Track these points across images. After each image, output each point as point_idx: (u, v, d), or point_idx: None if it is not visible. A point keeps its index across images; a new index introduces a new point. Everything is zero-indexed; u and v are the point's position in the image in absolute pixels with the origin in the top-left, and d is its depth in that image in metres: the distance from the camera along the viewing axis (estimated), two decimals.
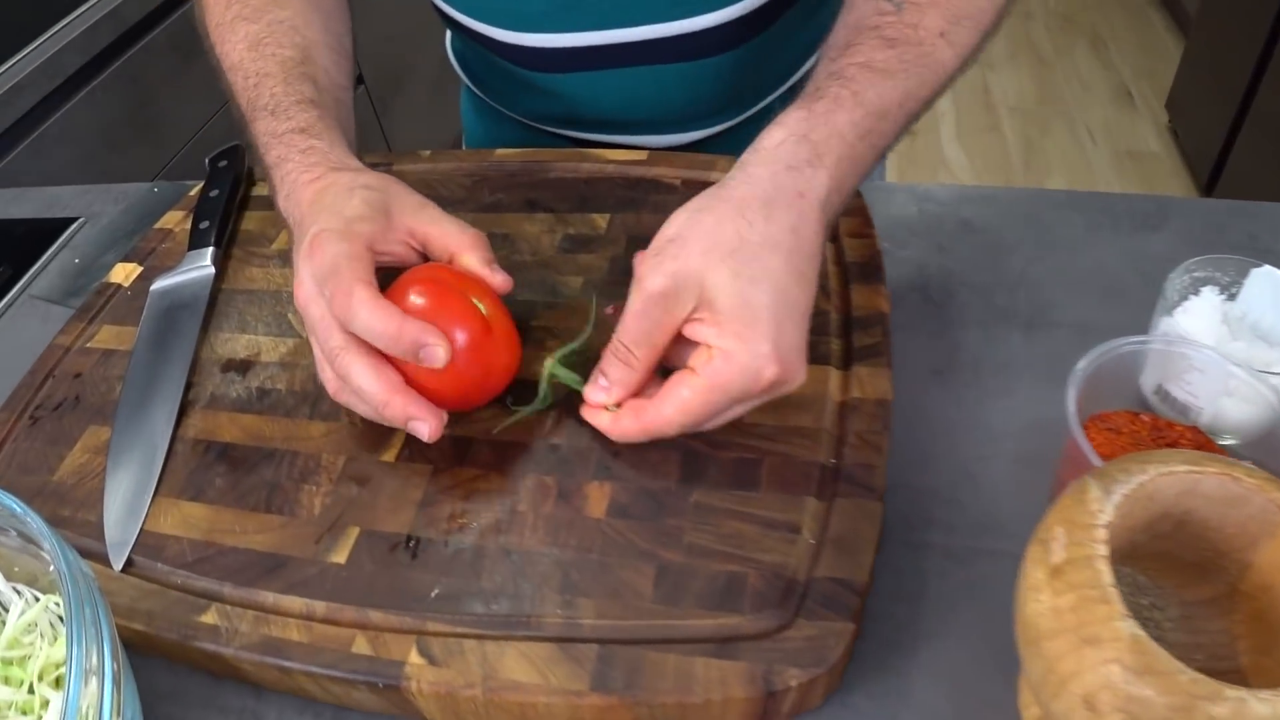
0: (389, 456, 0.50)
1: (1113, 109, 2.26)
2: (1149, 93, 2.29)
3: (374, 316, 0.45)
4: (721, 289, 0.43)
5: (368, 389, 0.46)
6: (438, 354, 0.45)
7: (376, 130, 1.86)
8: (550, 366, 0.50)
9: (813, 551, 0.44)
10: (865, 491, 0.46)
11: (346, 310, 0.45)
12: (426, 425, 0.46)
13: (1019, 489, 0.51)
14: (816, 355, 0.51)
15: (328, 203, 0.50)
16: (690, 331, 0.45)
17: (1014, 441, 0.53)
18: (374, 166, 0.70)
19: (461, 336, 0.47)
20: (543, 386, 0.50)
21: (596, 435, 0.48)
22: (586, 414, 0.48)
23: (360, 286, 0.45)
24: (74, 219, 0.80)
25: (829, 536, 0.44)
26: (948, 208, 0.66)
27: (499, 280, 0.50)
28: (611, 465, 0.47)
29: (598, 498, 0.46)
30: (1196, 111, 2.03)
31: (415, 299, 0.47)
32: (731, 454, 0.47)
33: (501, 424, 0.50)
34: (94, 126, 1.26)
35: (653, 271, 0.45)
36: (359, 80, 1.77)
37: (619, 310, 0.47)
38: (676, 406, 0.44)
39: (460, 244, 0.51)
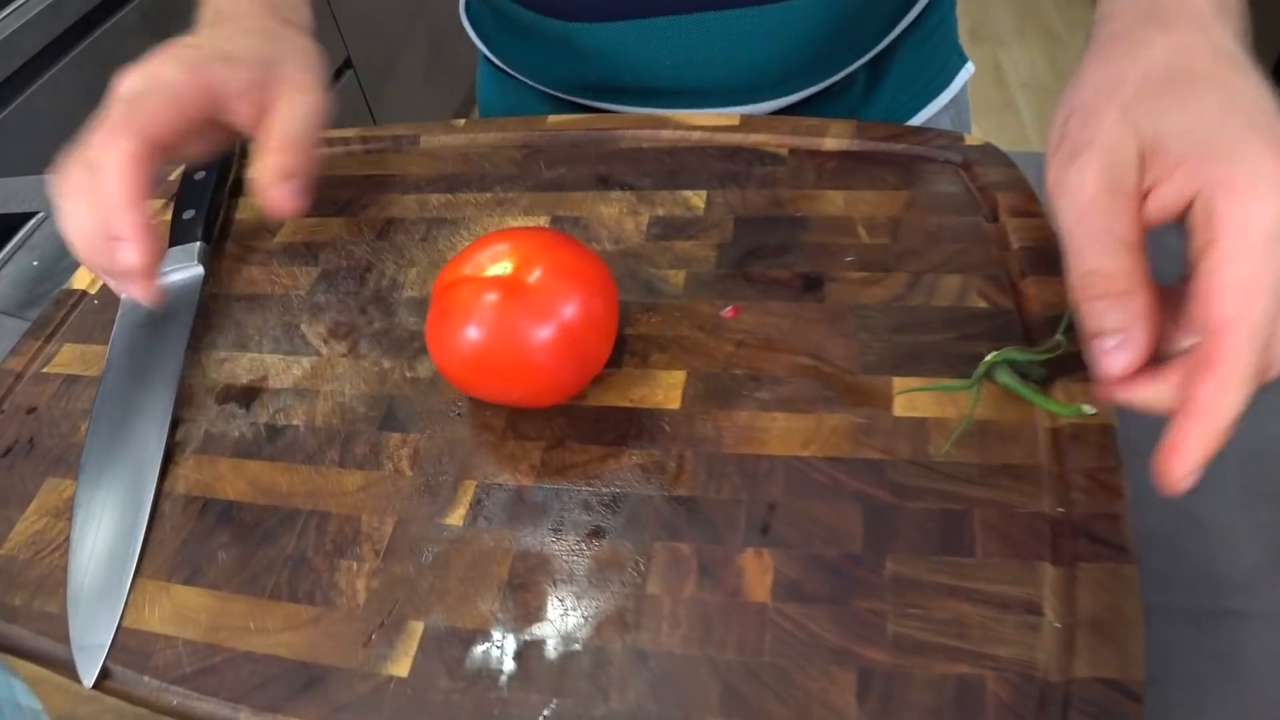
0: (455, 518, 0.36)
1: None
2: None
3: (114, 178, 0.38)
4: (1163, 117, 0.30)
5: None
6: (127, 255, 0.38)
7: (366, 117, 1.70)
8: (1000, 370, 0.37)
9: (1064, 640, 0.31)
10: (1113, 552, 0.33)
11: (100, 150, 0.39)
12: (136, 257, 0.38)
13: (1255, 530, 0.38)
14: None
15: (220, 28, 0.44)
16: (1158, 208, 0.30)
17: (1239, 471, 0.40)
18: (397, 140, 0.57)
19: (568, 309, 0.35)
20: (974, 396, 0.37)
21: (744, 480, 0.35)
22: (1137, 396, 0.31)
23: (133, 141, 0.39)
24: (32, 214, 0.66)
25: (1080, 617, 0.31)
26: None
27: (276, 196, 0.40)
28: (769, 523, 0.34)
29: (756, 572, 0.33)
30: None
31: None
32: (926, 504, 0.34)
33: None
34: (57, 114, 1.10)
35: (1066, 160, 0.32)
36: (346, 64, 1.62)
37: (735, 310, 0.35)
38: (1223, 324, 0.28)
39: (266, 139, 0.41)
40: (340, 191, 0.53)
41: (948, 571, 0.32)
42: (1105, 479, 0.35)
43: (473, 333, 0.35)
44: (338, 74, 1.60)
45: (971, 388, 0.37)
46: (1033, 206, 0.46)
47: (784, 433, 0.37)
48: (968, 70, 0.72)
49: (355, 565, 0.35)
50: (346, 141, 0.56)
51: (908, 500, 0.34)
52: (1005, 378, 0.36)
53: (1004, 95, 2.13)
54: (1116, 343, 0.30)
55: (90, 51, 1.14)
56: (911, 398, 0.37)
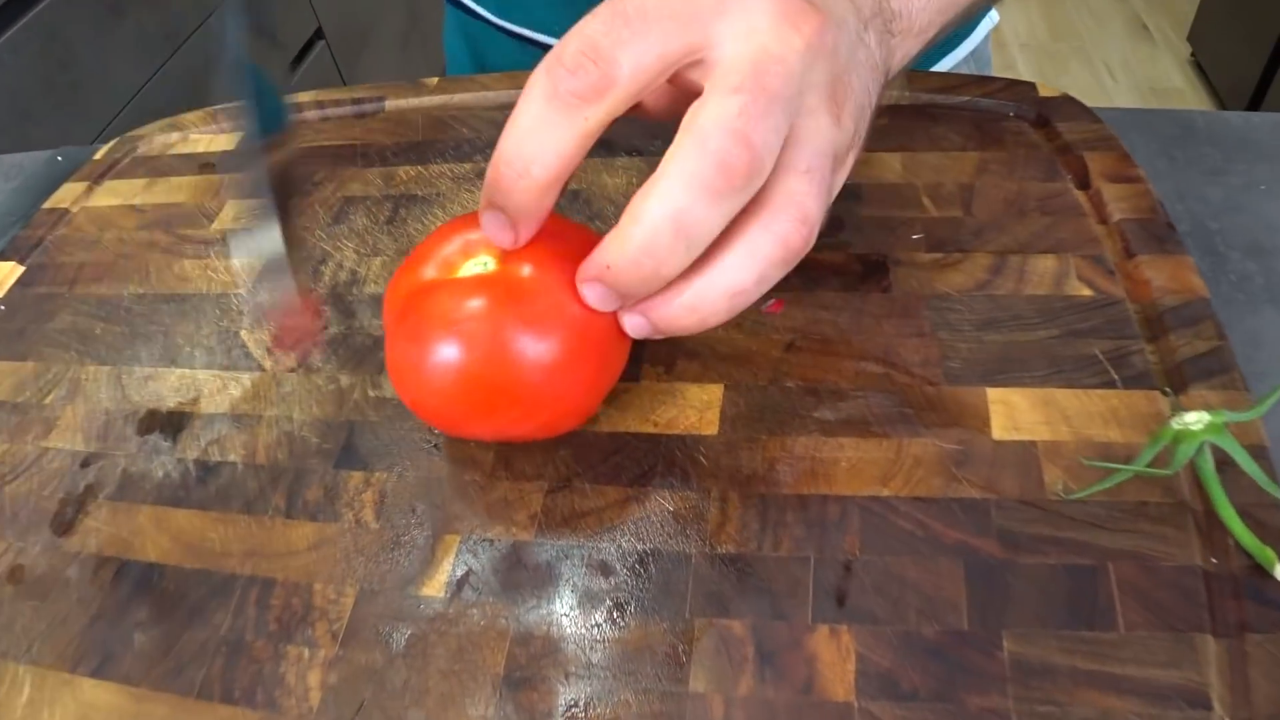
0: (434, 587, 0.28)
1: (1129, 44, 2.05)
2: (1165, 25, 2.09)
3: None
4: None
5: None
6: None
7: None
8: (1208, 426, 0.26)
9: None
10: None
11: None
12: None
13: None
14: (1130, 377, 0.30)
15: None
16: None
17: None
18: (359, 103, 0.47)
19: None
20: (1182, 452, 0.26)
21: (808, 531, 0.27)
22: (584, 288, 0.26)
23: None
24: None
25: (1259, 710, 0.23)
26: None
27: None
28: (846, 590, 0.26)
29: (834, 658, 0.25)
30: (1223, 43, 1.83)
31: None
32: (1046, 559, 0.26)
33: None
34: (1, 92, 1.00)
35: None
36: (317, 34, 1.50)
37: (780, 305, 0.27)
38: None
39: None
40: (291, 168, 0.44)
41: (1083, 651, 0.24)
42: (1265, 517, 0.26)
43: (449, 355, 0.26)
44: (308, 45, 1.48)
45: (1174, 470, 0.26)
46: (1130, 170, 0.37)
47: (855, 465, 0.28)
48: (991, 19, 0.63)
49: (307, 653, 0.27)
50: (299, 108, 0.47)
51: (1022, 554, 0.26)
52: (1206, 467, 0.26)
53: (1003, 58, 2.03)
54: (497, 218, 0.26)
55: (38, 22, 1.03)
56: (1011, 413, 0.29)
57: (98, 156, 0.49)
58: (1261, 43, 1.66)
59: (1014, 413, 0.29)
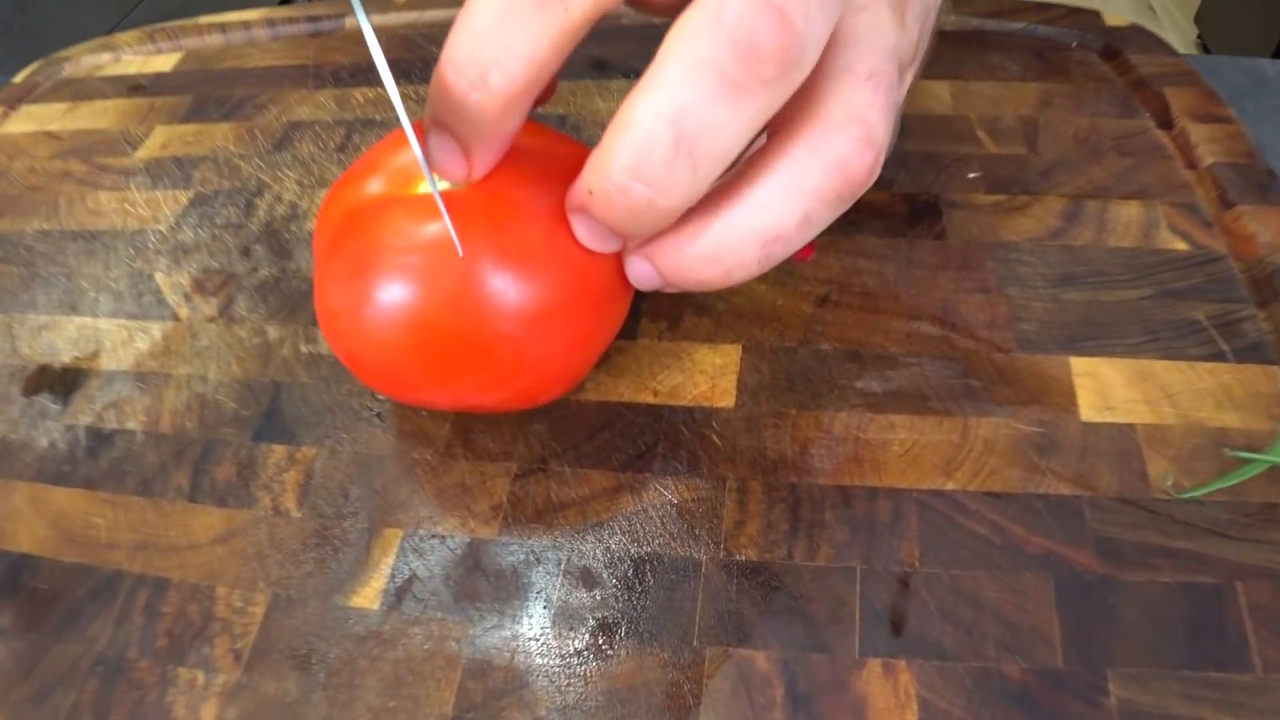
0: (367, 595, 0.21)
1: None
2: (1172, 6, 2.02)
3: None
4: None
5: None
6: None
7: None
8: None
9: None
10: None
11: None
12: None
13: None
14: (1242, 348, 0.24)
15: None
16: None
17: None
18: (314, 21, 0.41)
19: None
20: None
21: (853, 533, 0.21)
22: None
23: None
24: None
25: None
26: None
27: None
28: (904, 613, 0.20)
29: (889, 703, 0.18)
30: (1231, 26, 1.77)
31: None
32: (1156, 575, 0.20)
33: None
34: None
35: None
36: None
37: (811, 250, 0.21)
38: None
39: None
40: (233, 89, 0.37)
41: (1213, 699, 0.18)
42: None
43: (397, 296, 0.19)
44: None
45: None
46: (1219, 108, 0.31)
47: (911, 450, 0.22)
48: None
49: (202, 678, 0.20)
50: (247, 26, 0.40)
51: (1126, 568, 0.20)
52: None
53: None
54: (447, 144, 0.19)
55: None
56: (1102, 388, 0.23)
57: (18, 79, 0.42)
58: (1270, 27, 1.60)
59: (1105, 388, 0.23)
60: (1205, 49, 1.89)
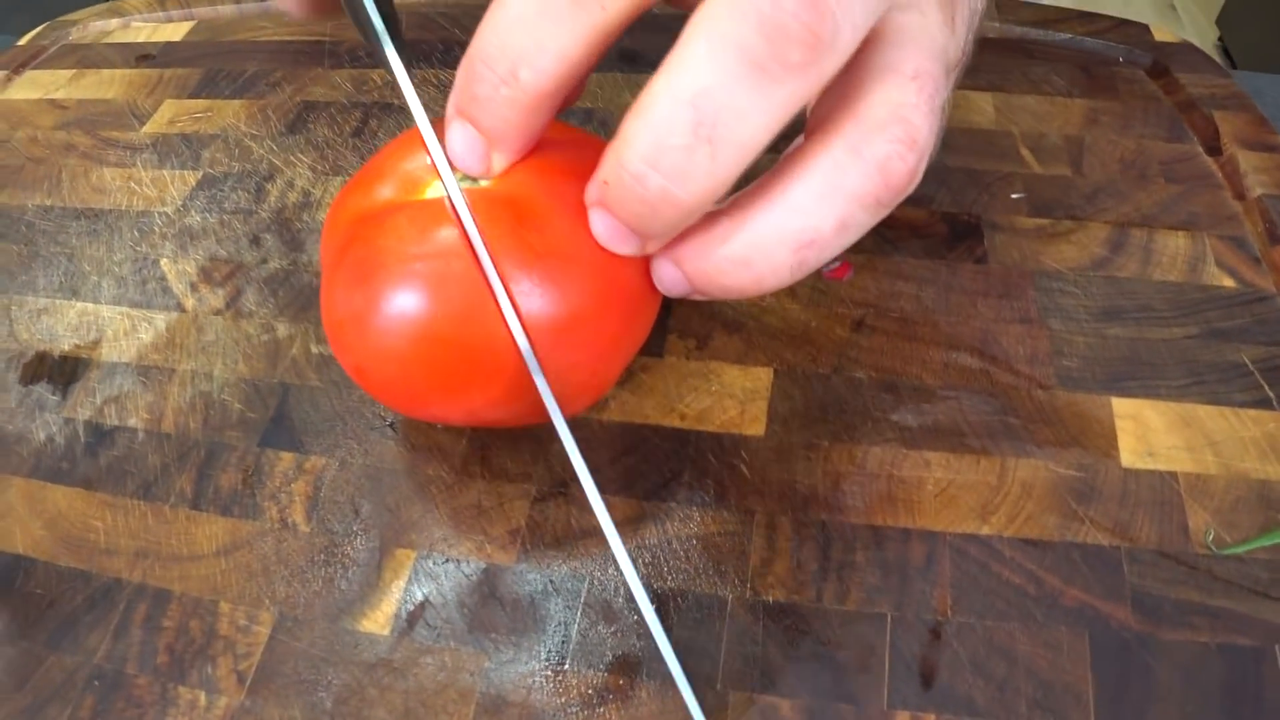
0: (377, 620, 0.20)
1: (1156, 25, 1.97)
2: (1194, 7, 2.00)
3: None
4: None
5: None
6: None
7: None
8: None
9: None
10: None
11: None
12: None
13: None
14: None
15: None
16: None
17: None
18: None
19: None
20: None
21: (883, 577, 0.20)
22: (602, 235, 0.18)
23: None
24: None
25: None
26: None
27: None
28: (935, 664, 0.19)
29: None
30: (1253, 29, 1.75)
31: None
32: (1194, 636, 0.19)
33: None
34: None
35: None
36: None
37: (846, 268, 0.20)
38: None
39: None
40: (244, 64, 0.36)
41: None
42: None
43: (406, 305, 0.18)
44: None
45: None
46: (1269, 135, 0.30)
47: (946, 491, 0.21)
48: None
49: (203, 699, 0.20)
50: None
51: (1164, 626, 0.19)
52: None
53: None
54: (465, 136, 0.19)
55: None
56: (1144, 433, 0.22)
57: (21, 42, 0.41)
58: None
59: (1147, 432, 0.22)
60: (1226, 52, 1.87)
